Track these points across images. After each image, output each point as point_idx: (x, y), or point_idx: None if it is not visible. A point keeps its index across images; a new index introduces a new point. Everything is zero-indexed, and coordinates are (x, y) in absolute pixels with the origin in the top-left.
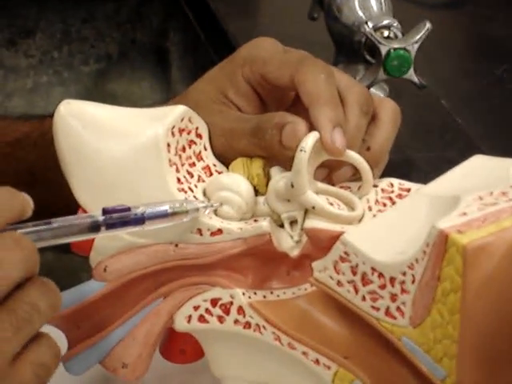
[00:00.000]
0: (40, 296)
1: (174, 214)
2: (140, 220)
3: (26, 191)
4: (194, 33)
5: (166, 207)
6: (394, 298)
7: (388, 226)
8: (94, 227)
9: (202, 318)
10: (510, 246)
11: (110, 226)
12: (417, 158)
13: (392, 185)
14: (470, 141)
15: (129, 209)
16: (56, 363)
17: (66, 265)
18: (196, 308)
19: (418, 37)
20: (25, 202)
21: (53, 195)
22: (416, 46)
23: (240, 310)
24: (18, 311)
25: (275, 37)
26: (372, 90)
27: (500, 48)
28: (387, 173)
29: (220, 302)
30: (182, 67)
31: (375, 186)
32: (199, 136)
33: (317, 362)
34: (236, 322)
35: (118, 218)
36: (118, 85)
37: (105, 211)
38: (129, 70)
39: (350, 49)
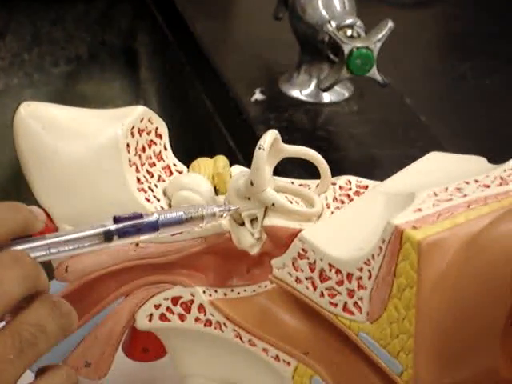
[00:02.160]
0: (48, 317)
1: (189, 219)
2: (154, 227)
3: None
4: (162, 34)
5: (180, 213)
6: (351, 293)
7: (345, 222)
8: (107, 237)
9: (163, 317)
10: (463, 241)
11: (123, 234)
12: (380, 156)
13: (350, 182)
14: (433, 139)
15: (141, 216)
16: None
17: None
18: (157, 307)
19: (380, 35)
20: (30, 216)
21: None
22: (378, 44)
23: (201, 307)
24: (22, 333)
25: (241, 37)
26: (336, 88)
27: (463, 45)
28: (351, 171)
29: (181, 301)
30: (151, 67)
31: (333, 183)
32: (159, 136)
33: (277, 358)
34: (197, 319)
35: (131, 226)
36: (88, 86)
37: (116, 219)
38: (98, 71)
39: (314, 48)
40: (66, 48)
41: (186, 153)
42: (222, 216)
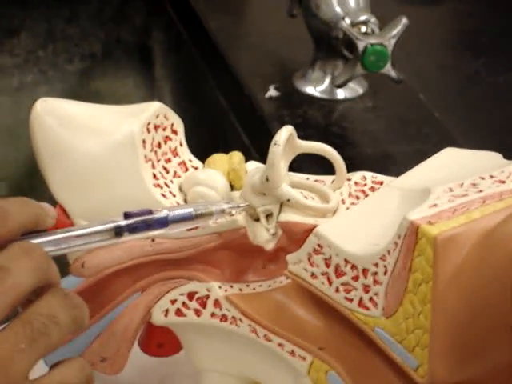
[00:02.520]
0: (59, 308)
1: (198, 215)
2: (163, 223)
3: None
4: (177, 31)
5: (190, 209)
6: (366, 289)
7: (360, 218)
8: (117, 232)
9: (179, 312)
10: (479, 236)
11: (133, 230)
12: (395, 152)
13: (365, 178)
14: (447, 135)
15: (151, 212)
16: None
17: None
18: (173, 302)
19: (394, 32)
20: (41, 211)
21: None
22: (393, 41)
23: (216, 303)
24: (34, 322)
25: (256, 34)
26: (350, 84)
27: (477, 42)
28: (365, 167)
29: (197, 296)
30: (166, 65)
31: (348, 179)
32: (175, 132)
33: (292, 353)
34: (213, 315)
35: (141, 222)
36: (103, 83)
37: (127, 215)
38: (113, 68)
39: (329, 45)
40: (80, 45)
41: (201, 149)
42: (230, 213)
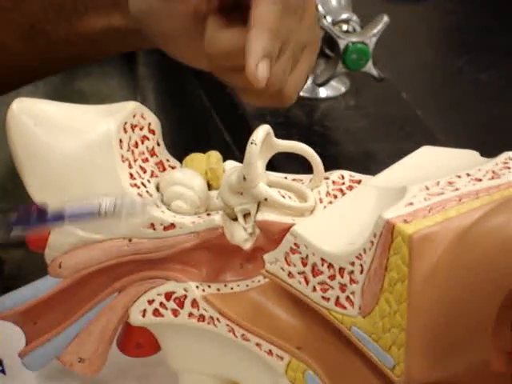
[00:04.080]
0: None
1: (101, 212)
2: (60, 217)
3: (25, 44)
4: None
5: (92, 205)
6: (343, 288)
7: (337, 217)
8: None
9: (156, 312)
10: (455, 235)
11: (26, 224)
12: (377, 150)
13: (343, 177)
14: (429, 133)
15: (45, 207)
16: None
17: (35, 261)
18: (150, 302)
19: (375, 30)
20: None
21: (53, 47)
22: (374, 39)
23: (194, 303)
24: None
25: None
26: (332, 83)
27: (460, 40)
28: (347, 165)
29: (174, 296)
30: (149, 64)
31: (326, 178)
32: (152, 132)
33: (270, 352)
34: (190, 315)
35: (36, 217)
36: (86, 83)
37: (17, 210)
38: (96, 67)
39: None
40: None
41: (183, 148)
42: (144, 209)
